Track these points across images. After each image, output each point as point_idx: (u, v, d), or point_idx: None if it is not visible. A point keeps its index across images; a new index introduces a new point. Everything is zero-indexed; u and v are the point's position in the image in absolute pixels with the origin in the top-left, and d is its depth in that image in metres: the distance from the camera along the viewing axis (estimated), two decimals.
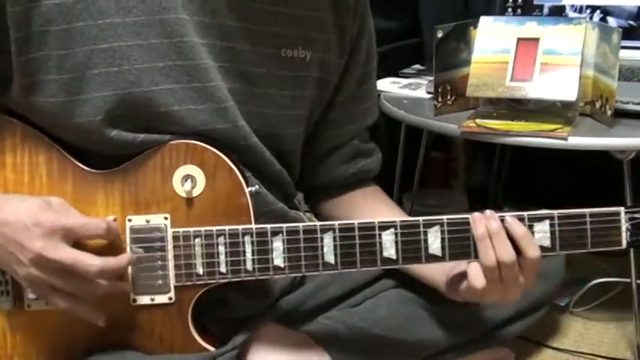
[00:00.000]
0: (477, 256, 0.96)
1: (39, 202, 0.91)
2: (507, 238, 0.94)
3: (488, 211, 0.95)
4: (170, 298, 0.97)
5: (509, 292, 0.96)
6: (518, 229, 0.94)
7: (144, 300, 0.97)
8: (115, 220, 0.96)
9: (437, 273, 1.06)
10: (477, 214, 0.95)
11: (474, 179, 2.11)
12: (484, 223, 0.94)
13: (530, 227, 0.95)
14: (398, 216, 1.14)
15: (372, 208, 1.17)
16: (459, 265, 1.01)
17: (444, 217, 0.96)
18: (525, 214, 0.96)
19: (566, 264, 1.26)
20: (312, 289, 1.14)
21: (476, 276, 0.95)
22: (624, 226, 0.96)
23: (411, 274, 1.11)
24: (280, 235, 0.96)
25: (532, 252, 0.94)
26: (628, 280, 1.40)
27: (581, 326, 1.53)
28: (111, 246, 0.95)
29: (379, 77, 1.63)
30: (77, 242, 0.92)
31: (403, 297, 1.16)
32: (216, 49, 0.99)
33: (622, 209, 0.96)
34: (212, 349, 1.00)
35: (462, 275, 0.99)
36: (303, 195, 1.24)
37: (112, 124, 0.96)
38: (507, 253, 0.93)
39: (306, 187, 1.21)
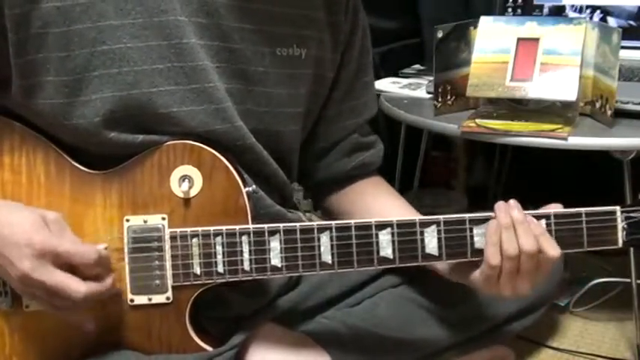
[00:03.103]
0: (473, 256, 0.96)
1: (35, 219, 0.90)
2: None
3: (512, 201, 0.95)
4: (168, 298, 0.98)
5: (521, 286, 0.95)
6: (536, 226, 0.94)
7: (141, 300, 0.97)
8: (105, 248, 0.95)
9: None
10: (501, 203, 0.95)
11: (474, 179, 2.11)
12: (509, 212, 0.94)
13: None
14: (401, 205, 1.15)
15: (375, 197, 1.17)
16: None
17: (441, 216, 0.96)
18: None
19: (565, 264, 1.26)
20: (311, 289, 1.13)
21: (492, 255, 0.93)
22: (620, 225, 0.96)
23: None
24: (277, 234, 0.96)
25: (552, 251, 0.93)
26: (628, 280, 1.40)
27: (581, 326, 1.52)
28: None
29: (379, 77, 1.64)
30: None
31: (402, 296, 1.16)
32: (214, 50, 0.99)
33: (618, 208, 0.96)
34: (210, 349, 1.00)
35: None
36: (310, 192, 1.25)
37: (110, 126, 0.96)
38: (530, 243, 0.93)
39: (309, 184, 1.22)
